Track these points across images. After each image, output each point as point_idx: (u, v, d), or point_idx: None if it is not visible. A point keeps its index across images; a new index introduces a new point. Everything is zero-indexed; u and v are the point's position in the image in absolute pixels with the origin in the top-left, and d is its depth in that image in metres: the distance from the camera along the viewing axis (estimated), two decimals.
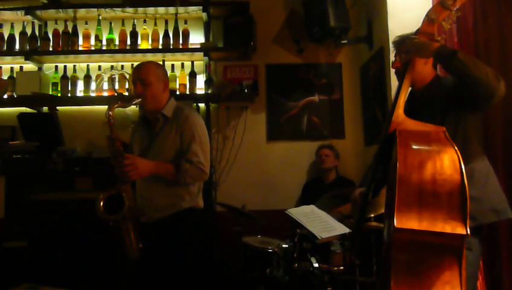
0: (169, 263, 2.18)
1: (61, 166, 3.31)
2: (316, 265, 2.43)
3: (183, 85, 3.66)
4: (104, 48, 3.65)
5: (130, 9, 3.66)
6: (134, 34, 3.67)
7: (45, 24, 3.77)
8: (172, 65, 3.66)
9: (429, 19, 1.68)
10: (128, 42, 3.67)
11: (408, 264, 1.40)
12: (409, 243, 1.39)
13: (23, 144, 3.40)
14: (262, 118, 3.84)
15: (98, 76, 3.64)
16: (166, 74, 2.44)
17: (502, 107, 2.14)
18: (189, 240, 2.25)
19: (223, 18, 3.75)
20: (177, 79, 3.66)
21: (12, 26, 3.73)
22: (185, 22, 3.70)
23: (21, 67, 3.68)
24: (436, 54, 1.69)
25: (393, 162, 1.53)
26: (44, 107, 3.72)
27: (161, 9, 3.70)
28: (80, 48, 3.68)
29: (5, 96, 3.60)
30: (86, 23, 3.71)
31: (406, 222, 1.37)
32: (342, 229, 2.44)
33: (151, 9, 3.69)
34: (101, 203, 2.10)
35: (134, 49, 3.64)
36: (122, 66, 3.72)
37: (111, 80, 3.60)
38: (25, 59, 3.62)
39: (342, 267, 2.43)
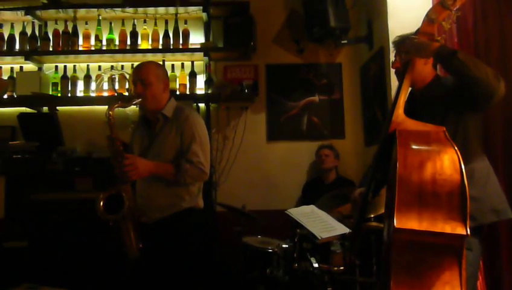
0: (169, 263, 2.17)
1: (61, 166, 3.31)
2: (316, 265, 2.43)
3: (183, 85, 3.66)
4: (104, 48, 3.65)
5: (130, 10, 3.66)
6: (134, 34, 3.67)
7: (45, 24, 3.77)
8: (173, 65, 3.66)
9: (429, 19, 1.68)
10: (128, 42, 3.67)
11: (408, 264, 1.40)
12: (409, 243, 1.39)
13: (23, 144, 3.40)
14: (262, 118, 3.84)
15: (98, 76, 3.64)
16: (167, 74, 2.44)
17: (502, 107, 2.14)
18: (189, 240, 2.24)
19: (223, 18, 3.75)
20: (177, 79, 3.66)
21: (12, 26, 3.74)
22: (185, 22, 3.70)
23: (21, 68, 3.68)
24: (436, 54, 1.69)
25: (393, 162, 1.53)
26: (44, 107, 3.72)
27: (161, 9, 3.70)
28: (80, 48, 3.68)
29: (5, 96, 3.60)
30: (86, 23, 3.71)
31: (406, 222, 1.37)
32: (342, 229, 2.43)
33: (151, 10, 3.69)
34: (101, 203, 2.10)
35: (134, 49, 3.64)
36: (122, 66, 3.72)
37: (111, 80, 3.59)
38: (25, 59, 3.62)
39: (342, 268, 2.42)
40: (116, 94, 3.53)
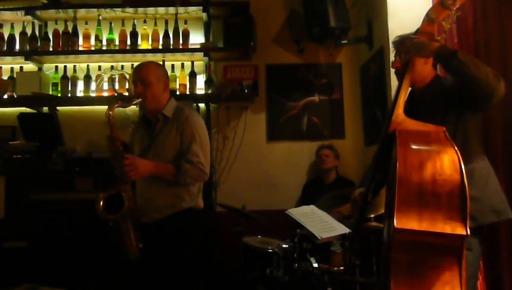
0: (169, 263, 2.17)
1: (61, 166, 3.31)
2: (316, 265, 2.43)
3: (183, 85, 3.66)
4: (104, 48, 3.65)
5: (130, 10, 3.65)
6: (134, 34, 3.67)
7: (45, 24, 3.77)
8: (173, 65, 3.66)
9: (429, 18, 1.68)
10: (128, 42, 3.67)
11: (408, 264, 1.40)
12: (409, 243, 1.39)
13: (23, 144, 3.41)
14: (262, 118, 3.84)
15: (98, 76, 3.64)
16: (167, 74, 2.44)
17: (502, 107, 2.14)
18: (189, 240, 2.24)
19: (223, 18, 3.75)
20: (177, 79, 3.66)
21: (12, 27, 3.74)
22: (185, 22, 3.70)
23: (21, 68, 3.68)
24: (436, 53, 1.68)
25: (393, 162, 1.53)
26: (44, 107, 3.72)
27: (161, 10, 3.70)
28: (80, 48, 3.68)
29: (5, 96, 3.60)
30: (86, 23, 3.71)
31: (406, 222, 1.37)
32: (342, 229, 2.44)
33: (151, 10, 3.69)
34: (101, 203, 2.09)
35: (134, 50, 3.64)
36: (122, 66, 3.72)
37: (111, 80, 3.59)
38: (25, 59, 3.62)
39: (342, 268, 2.42)
40: (116, 94, 3.53)
